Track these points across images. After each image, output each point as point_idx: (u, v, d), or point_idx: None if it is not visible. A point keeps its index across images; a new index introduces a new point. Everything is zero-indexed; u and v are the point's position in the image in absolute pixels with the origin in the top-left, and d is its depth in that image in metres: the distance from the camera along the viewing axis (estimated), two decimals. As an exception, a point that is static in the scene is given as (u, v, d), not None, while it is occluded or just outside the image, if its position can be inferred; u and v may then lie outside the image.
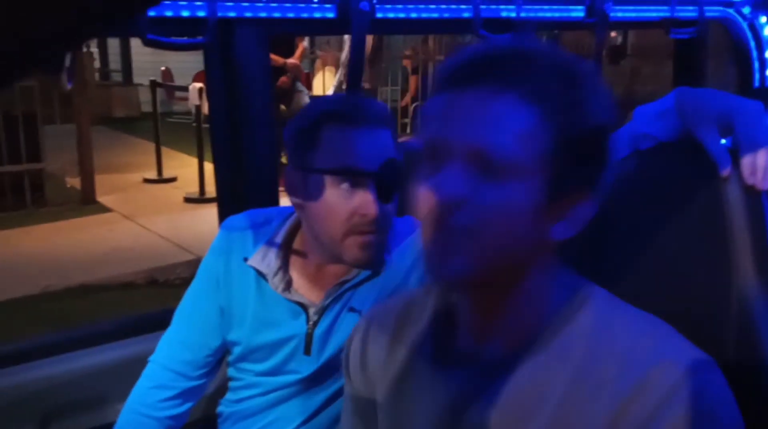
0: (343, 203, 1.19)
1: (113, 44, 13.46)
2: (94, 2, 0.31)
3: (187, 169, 7.38)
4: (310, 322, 1.31)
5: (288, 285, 1.31)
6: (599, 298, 0.85)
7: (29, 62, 0.32)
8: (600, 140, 0.80)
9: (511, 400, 0.81)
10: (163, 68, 10.44)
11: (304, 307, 1.31)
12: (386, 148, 1.21)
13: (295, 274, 1.33)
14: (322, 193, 1.20)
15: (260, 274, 1.31)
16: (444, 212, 0.77)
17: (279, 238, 1.33)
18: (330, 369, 1.32)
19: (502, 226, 0.77)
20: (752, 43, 2.54)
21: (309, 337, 1.31)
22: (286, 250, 1.33)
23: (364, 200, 1.18)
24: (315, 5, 1.66)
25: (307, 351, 1.31)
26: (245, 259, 1.32)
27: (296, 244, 1.33)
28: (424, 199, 0.80)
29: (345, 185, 1.19)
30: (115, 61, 13.90)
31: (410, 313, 0.98)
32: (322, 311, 1.30)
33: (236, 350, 1.37)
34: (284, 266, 1.32)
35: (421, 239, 0.81)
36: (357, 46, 1.75)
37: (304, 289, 1.32)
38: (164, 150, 7.72)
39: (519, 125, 0.76)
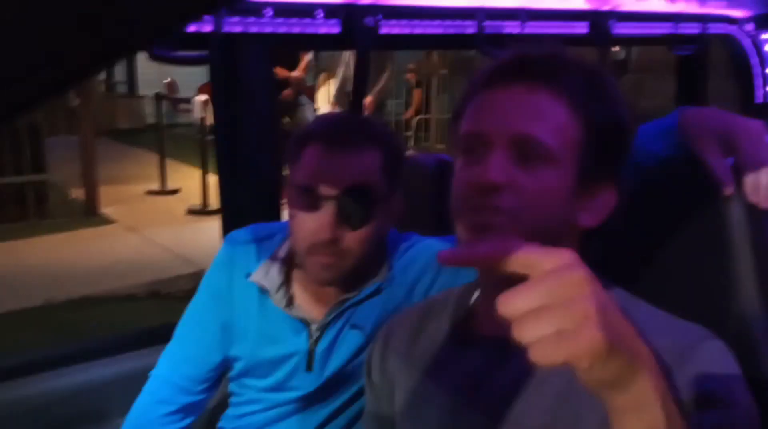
0: (306, 222, 1.20)
1: (118, 56, 13.50)
2: (117, 35, 0.31)
3: (191, 181, 7.38)
4: (312, 339, 1.30)
5: (290, 301, 1.31)
6: (617, 290, 0.92)
7: (49, 91, 0.32)
8: (621, 136, 0.90)
9: (526, 373, 0.86)
10: (167, 80, 10.49)
11: (306, 324, 1.30)
12: (358, 172, 1.20)
13: (297, 289, 1.33)
14: (294, 209, 1.22)
15: (263, 290, 1.31)
16: (487, 196, 0.84)
17: (282, 253, 1.33)
18: (332, 386, 1.32)
19: (538, 209, 0.85)
20: (755, 59, 2.55)
21: (311, 354, 1.30)
22: (288, 266, 1.33)
23: (320, 223, 1.19)
24: (320, 21, 1.67)
25: (309, 367, 1.31)
26: (248, 275, 1.32)
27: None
28: (464, 186, 0.87)
29: (308, 204, 1.20)
30: (120, 73, 13.96)
31: (431, 310, 1.04)
32: (324, 328, 1.30)
33: (238, 366, 1.36)
34: (287, 282, 1.31)
35: (459, 224, 0.88)
36: (361, 62, 1.76)
37: (306, 305, 1.32)
38: (168, 162, 7.72)
39: (554, 118, 0.86)
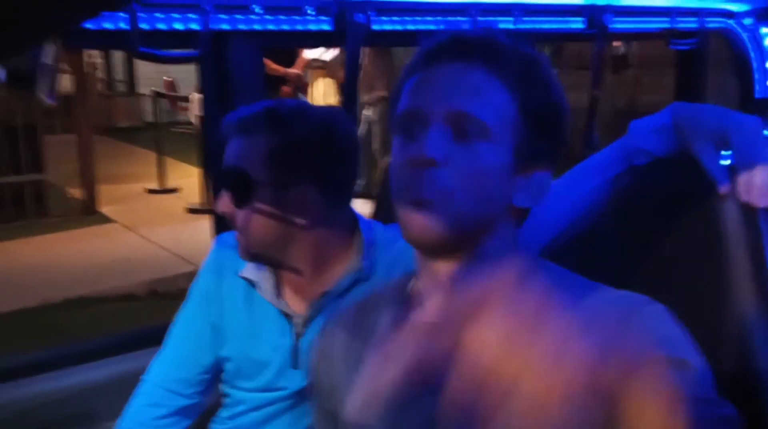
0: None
1: (117, 54, 13.50)
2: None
3: (190, 180, 7.37)
4: (296, 334, 1.30)
5: (277, 293, 1.32)
6: (553, 268, 0.92)
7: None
8: (557, 117, 0.90)
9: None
10: (166, 78, 10.46)
11: (290, 319, 1.31)
12: (236, 156, 1.25)
13: (284, 284, 1.33)
14: None
15: (251, 284, 1.32)
16: (424, 173, 0.83)
17: None
18: None
19: (476, 187, 0.85)
20: (753, 54, 2.52)
21: (295, 350, 1.30)
22: None
23: (223, 200, 1.28)
24: (310, 17, 1.64)
25: (295, 365, 1.30)
26: (237, 273, 1.33)
27: None
28: (401, 164, 0.87)
29: None
30: (119, 71, 13.94)
31: (370, 303, 1.03)
32: (307, 322, 1.30)
33: (228, 367, 1.36)
34: (275, 276, 1.32)
35: (398, 203, 0.87)
36: (352, 58, 1.74)
37: (292, 301, 1.32)
38: (167, 160, 7.72)
39: (490, 95, 0.86)
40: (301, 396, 1.31)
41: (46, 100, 0.78)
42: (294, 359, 1.30)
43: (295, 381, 1.31)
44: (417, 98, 0.88)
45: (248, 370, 1.34)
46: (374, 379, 0.93)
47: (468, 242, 0.88)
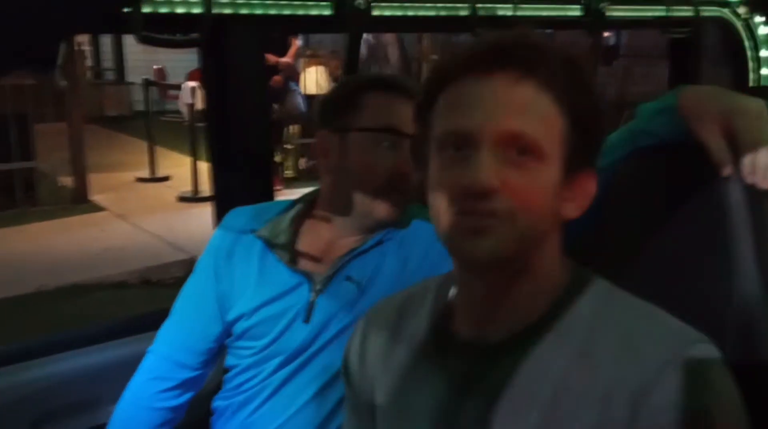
0: (382, 161, 1.29)
1: (106, 42, 13.40)
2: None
3: (181, 168, 7.35)
4: (314, 291, 1.31)
5: (294, 257, 1.33)
6: (599, 283, 0.88)
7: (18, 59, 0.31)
8: (599, 121, 0.86)
9: (513, 383, 0.83)
10: (156, 67, 10.41)
11: (308, 277, 1.32)
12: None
13: (304, 245, 1.36)
14: (362, 149, 1.31)
15: (267, 246, 1.34)
16: (481, 200, 0.79)
17: (291, 214, 1.37)
18: (324, 341, 1.31)
19: (531, 206, 0.80)
20: (747, 43, 2.54)
21: (311, 305, 1.31)
22: (296, 227, 1.36)
23: (402, 159, 1.28)
24: (311, 2, 1.64)
25: (307, 319, 1.31)
26: (253, 231, 1.36)
27: (307, 225, 1.38)
28: (451, 187, 0.81)
29: (388, 144, 1.29)
30: (107, 59, 13.83)
31: (409, 305, 1.00)
32: (327, 281, 1.31)
33: (238, 327, 1.36)
34: (293, 240, 1.35)
35: (446, 224, 0.82)
36: (352, 44, 1.74)
37: (310, 261, 1.34)
38: (157, 149, 7.69)
39: (542, 111, 0.81)
40: (305, 353, 1.31)
41: (60, 82, 0.78)
42: (307, 314, 1.31)
43: (300, 337, 1.31)
44: (462, 116, 0.81)
45: (258, 329, 1.33)
46: (416, 395, 0.93)
47: (519, 260, 0.84)
